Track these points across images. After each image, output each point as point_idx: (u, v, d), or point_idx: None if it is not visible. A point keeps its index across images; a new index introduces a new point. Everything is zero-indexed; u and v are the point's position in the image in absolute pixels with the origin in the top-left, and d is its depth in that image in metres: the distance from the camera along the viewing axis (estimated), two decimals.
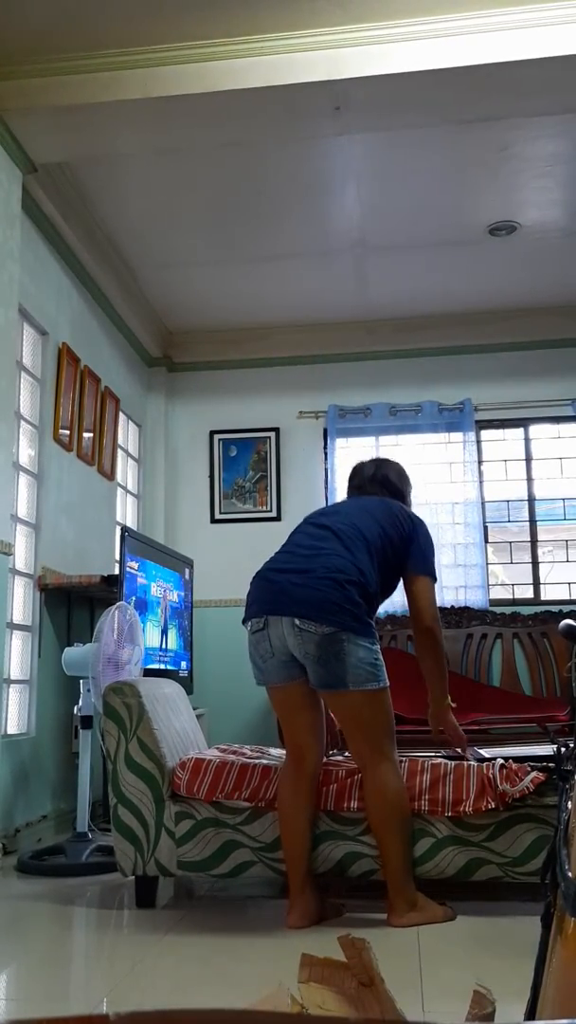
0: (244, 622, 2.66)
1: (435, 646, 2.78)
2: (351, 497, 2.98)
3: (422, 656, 2.81)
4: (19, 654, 4.05)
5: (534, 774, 2.67)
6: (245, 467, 6.05)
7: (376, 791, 2.58)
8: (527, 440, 5.94)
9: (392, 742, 2.65)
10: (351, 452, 5.96)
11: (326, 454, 5.93)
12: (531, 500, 5.88)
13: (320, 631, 2.50)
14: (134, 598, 4.21)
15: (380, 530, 2.71)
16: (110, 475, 5.25)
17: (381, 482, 2.94)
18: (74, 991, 2.23)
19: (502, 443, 5.97)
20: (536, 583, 5.79)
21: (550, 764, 2.71)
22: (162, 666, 4.66)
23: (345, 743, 3.69)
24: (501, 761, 2.79)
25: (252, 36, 3.47)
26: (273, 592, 2.59)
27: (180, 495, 6.09)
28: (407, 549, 2.74)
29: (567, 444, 5.89)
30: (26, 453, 4.26)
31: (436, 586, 2.84)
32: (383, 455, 5.85)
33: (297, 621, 2.51)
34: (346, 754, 3.19)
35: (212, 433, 6.11)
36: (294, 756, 2.68)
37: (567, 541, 5.92)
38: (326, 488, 5.89)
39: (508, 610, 5.59)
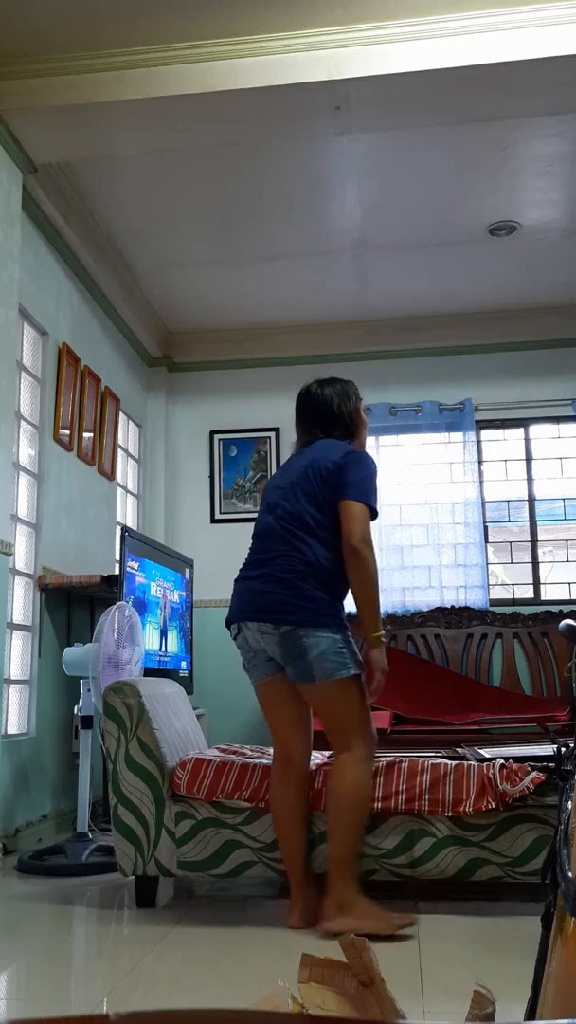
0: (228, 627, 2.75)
1: (362, 569, 2.58)
2: (293, 458, 2.84)
3: (350, 579, 2.61)
4: (19, 654, 4.05)
5: (534, 774, 2.67)
6: (245, 467, 6.05)
7: (334, 779, 2.58)
8: (527, 440, 5.94)
9: (363, 733, 2.59)
10: None
11: None
12: (531, 500, 5.88)
13: (278, 631, 2.58)
14: (132, 597, 4.21)
15: (315, 500, 2.64)
16: (110, 475, 5.25)
17: (320, 421, 2.79)
18: (74, 991, 2.23)
19: (502, 443, 5.97)
20: (536, 583, 5.79)
21: (550, 764, 2.71)
22: (162, 668, 4.66)
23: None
24: (501, 761, 2.79)
25: (252, 36, 3.47)
26: (240, 599, 2.69)
27: (180, 495, 6.09)
28: (341, 486, 2.63)
29: (567, 444, 5.89)
30: (26, 453, 4.26)
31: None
32: (382, 454, 5.91)
33: (259, 625, 2.61)
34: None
35: (212, 433, 6.11)
36: (280, 753, 2.69)
37: (567, 541, 5.92)
38: None
39: (508, 610, 5.59)
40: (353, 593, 2.62)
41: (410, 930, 2.44)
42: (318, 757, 2.99)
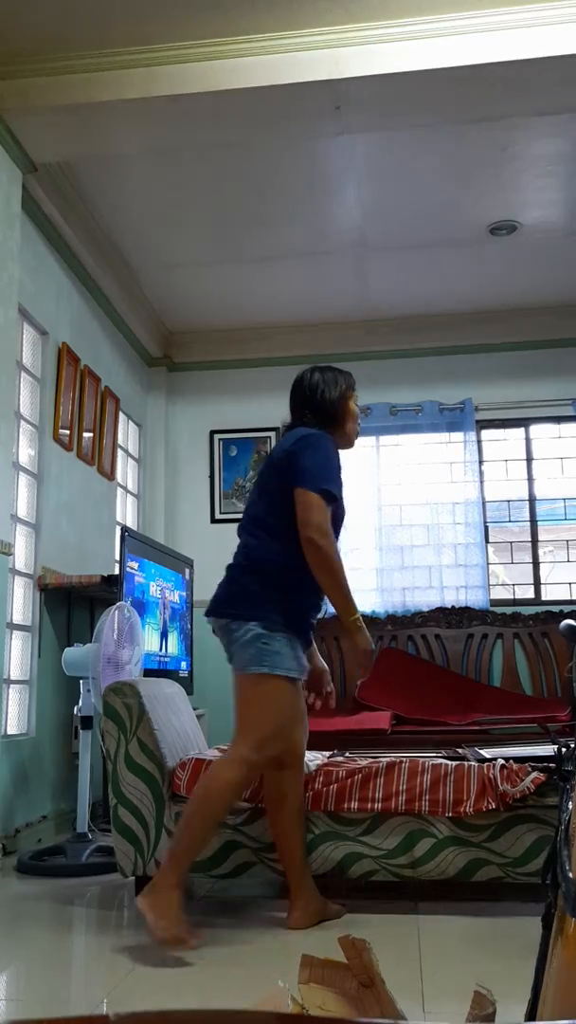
0: None
1: (318, 559, 2.48)
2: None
3: (312, 569, 2.51)
4: (19, 654, 4.05)
5: (535, 774, 2.67)
6: (245, 467, 6.05)
7: (207, 773, 2.55)
8: (528, 440, 5.94)
9: (254, 736, 2.47)
10: (351, 452, 5.94)
11: None
12: (532, 500, 5.88)
13: (217, 623, 2.61)
14: (131, 598, 4.21)
15: (267, 492, 2.63)
16: (110, 475, 5.25)
17: (301, 407, 2.74)
18: (74, 991, 2.23)
19: (503, 443, 5.97)
20: (537, 583, 5.79)
21: (551, 764, 2.71)
22: (162, 668, 4.66)
23: (344, 744, 3.70)
24: (502, 761, 2.78)
25: (252, 36, 3.47)
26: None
27: (180, 495, 6.09)
28: (293, 474, 2.54)
29: (568, 444, 5.89)
30: (26, 453, 4.26)
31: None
32: (382, 454, 5.91)
33: (209, 620, 2.65)
34: (347, 754, 3.19)
35: (212, 433, 6.11)
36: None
37: (568, 541, 5.92)
38: None
39: (509, 610, 5.59)
40: (319, 582, 2.53)
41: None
42: (318, 757, 2.99)
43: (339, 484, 2.60)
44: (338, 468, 2.62)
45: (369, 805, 2.69)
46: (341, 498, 2.64)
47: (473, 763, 2.79)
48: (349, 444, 2.81)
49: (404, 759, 2.81)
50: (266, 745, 2.48)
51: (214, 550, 5.87)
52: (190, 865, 2.49)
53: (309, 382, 2.76)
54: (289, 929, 2.50)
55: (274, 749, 2.51)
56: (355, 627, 2.53)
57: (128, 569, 4.19)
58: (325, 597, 2.62)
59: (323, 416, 2.72)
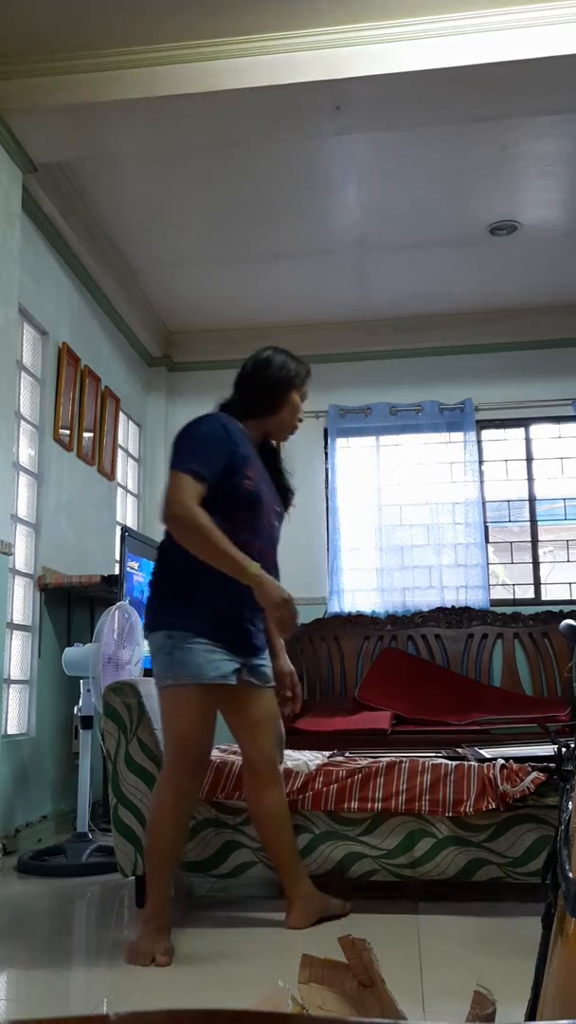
0: None
1: (185, 538, 2.32)
2: None
3: (187, 549, 2.34)
4: (19, 654, 4.05)
5: (535, 774, 2.67)
6: None
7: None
8: (528, 440, 5.94)
9: (172, 752, 2.39)
10: (351, 452, 5.97)
11: (326, 454, 5.93)
12: (532, 500, 5.88)
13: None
14: (130, 597, 4.21)
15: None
16: (110, 475, 5.25)
17: (239, 380, 2.67)
18: (74, 991, 2.23)
19: (503, 443, 5.97)
20: (537, 583, 5.79)
21: (551, 764, 2.71)
22: None
23: (344, 744, 3.70)
24: (502, 761, 2.78)
25: (252, 36, 3.47)
26: None
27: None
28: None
29: (568, 444, 5.89)
30: (26, 453, 4.26)
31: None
32: (382, 454, 5.91)
33: None
34: (347, 754, 3.19)
35: None
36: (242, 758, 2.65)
37: (568, 541, 5.92)
38: (326, 488, 5.88)
39: (509, 610, 5.58)
40: (199, 557, 2.31)
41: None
42: (318, 757, 2.99)
43: (214, 464, 2.36)
44: (219, 448, 2.40)
45: (369, 805, 2.69)
46: (257, 487, 2.44)
47: (473, 763, 2.79)
48: (282, 435, 2.64)
49: (404, 759, 2.81)
50: (181, 759, 2.36)
51: None
52: (168, 890, 2.40)
53: (258, 358, 2.65)
54: (288, 929, 2.50)
55: (189, 761, 2.37)
56: (256, 583, 2.30)
57: (128, 569, 4.19)
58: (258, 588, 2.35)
59: (255, 395, 2.57)
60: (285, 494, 2.67)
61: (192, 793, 2.45)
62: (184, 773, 2.37)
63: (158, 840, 2.38)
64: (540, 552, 5.84)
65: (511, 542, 5.92)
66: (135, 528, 5.72)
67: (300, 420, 2.69)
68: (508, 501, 5.91)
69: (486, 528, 5.79)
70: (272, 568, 2.51)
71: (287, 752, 3.14)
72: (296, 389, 2.62)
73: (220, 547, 2.29)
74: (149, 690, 2.94)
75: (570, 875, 0.94)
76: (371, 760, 2.84)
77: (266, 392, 2.59)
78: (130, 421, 5.88)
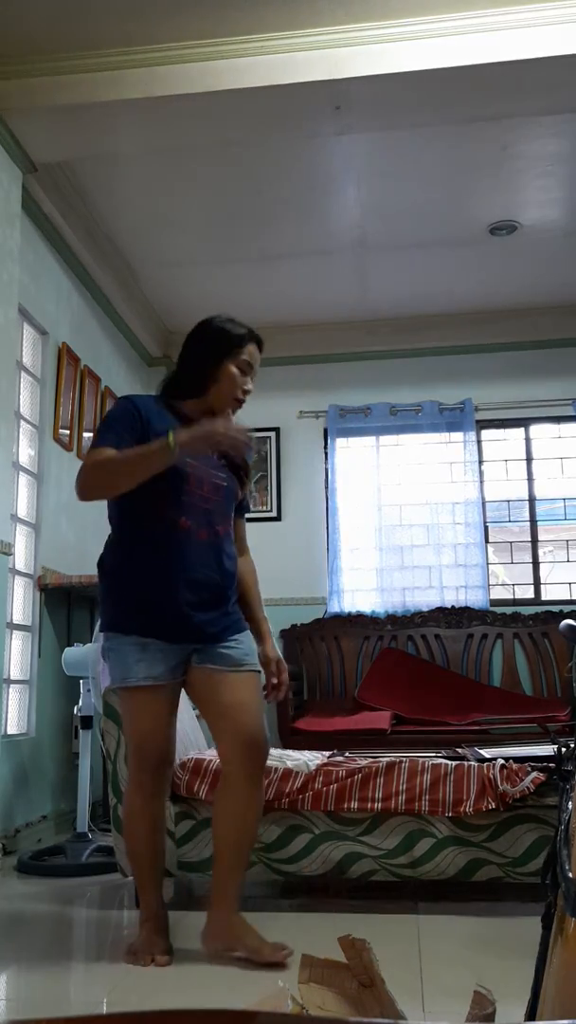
0: None
1: (97, 479, 2.25)
2: None
3: (114, 488, 2.29)
4: (19, 654, 4.05)
5: (534, 774, 2.67)
6: None
7: None
8: (528, 440, 5.94)
9: (131, 753, 2.36)
10: (351, 452, 5.97)
11: (326, 454, 5.93)
12: (532, 500, 5.88)
13: None
14: None
15: None
16: None
17: (182, 348, 2.57)
18: (74, 991, 2.23)
19: (503, 443, 5.97)
20: (537, 583, 5.79)
21: (550, 764, 2.71)
22: None
23: (344, 744, 3.68)
24: (501, 761, 2.78)
25: (252, 36, 3.47)
26: None
27: None
28: None
29: (568, 444, 5.89)
30: (26, 453, 4.26)
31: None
32: (382, 454, 5.91)
33: None
34: (347, 754, 3.19)
35: None
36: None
37: (568, 541, 5.92)
38: (326, 488, 5.88)
39: (509, 610, 5.59)
40: (123, 486, 2.24)
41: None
42: (318, 757, 2.99)
43: (124, 439, 2.25)
44: (127, 425, 2.29)
45: (369, 805, 2.69)
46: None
47: (473, 763, 2.79)
48: (221, 407, 2.42)
49: (404, 759, 2.81)
50: (140, 761, 2.32)
51: None
52: (160, 891, 2.37)
53: (197, 327, 2.52)
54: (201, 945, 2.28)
55: (148, 762, 2.31)
56: (178, 443, 2.14)
57: None
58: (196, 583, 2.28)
59: (188, 369, 2.46)
60: (238, 472, 2.51)
61: (159, 794, 2.38)
62: (146, 775, 2.32)
63: (135, 845, 2.36)
64: (540, 552, 5.84)
65: (511, 542, 5.92)
66: None
67: (246, 391, 2.47)
68: (508, 501, 5.91)
69: (486, 528, 5.79)
70: (216, 545, 2.35)
71: (287, 752, 3.14)
72: (231, 358, 2.45)
73: (126, 458, 2.19)
74: None
75: (570, 875, 0.94)
76: (371, 760, 2.83)
77: (199, 365, 2.44)
78: None
